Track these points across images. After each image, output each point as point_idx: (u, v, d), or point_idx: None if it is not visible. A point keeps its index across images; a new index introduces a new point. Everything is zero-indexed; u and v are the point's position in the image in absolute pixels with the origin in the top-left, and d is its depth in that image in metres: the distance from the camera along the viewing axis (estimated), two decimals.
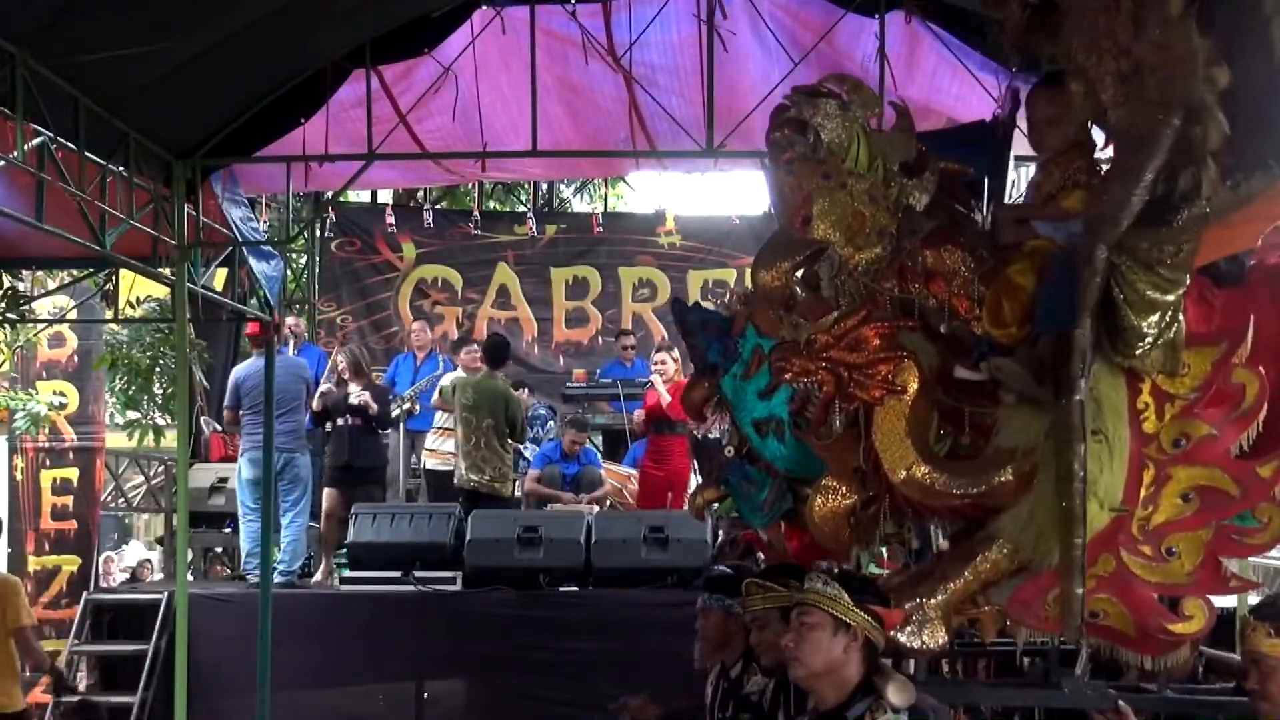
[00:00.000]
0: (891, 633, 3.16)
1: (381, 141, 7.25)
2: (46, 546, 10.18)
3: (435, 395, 9.48)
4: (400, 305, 12.86)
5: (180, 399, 8.12)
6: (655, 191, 17.22)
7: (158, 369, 10.19)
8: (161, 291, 9.64)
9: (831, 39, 7.13)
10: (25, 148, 5.49)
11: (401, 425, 9.62)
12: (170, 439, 9.84)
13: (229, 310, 8.22)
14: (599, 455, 10.37)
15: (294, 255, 12.85)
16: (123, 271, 8.24)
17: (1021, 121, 4.12)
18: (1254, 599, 4.69)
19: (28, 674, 6.45)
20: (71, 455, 10.38)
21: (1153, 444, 3.28)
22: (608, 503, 9.39)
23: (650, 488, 9.28)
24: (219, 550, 10.36)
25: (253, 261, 7.63)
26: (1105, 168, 3.55)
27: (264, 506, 8.12)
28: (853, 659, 3.00)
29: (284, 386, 8.27)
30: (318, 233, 12.79)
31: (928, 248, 3.53)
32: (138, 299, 9.60)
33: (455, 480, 8.85)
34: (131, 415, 10.95)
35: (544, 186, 14.61)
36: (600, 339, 12.92)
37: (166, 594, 7.87)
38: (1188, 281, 3.15)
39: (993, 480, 3.29)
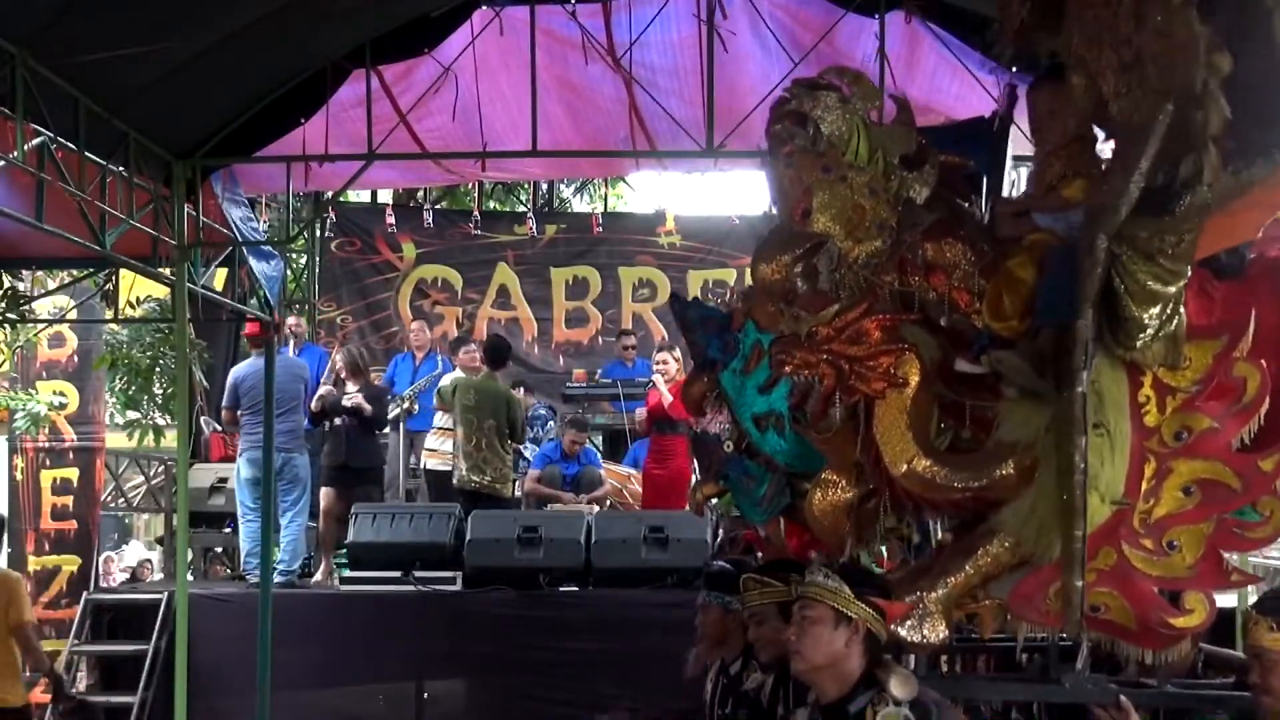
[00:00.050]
0: (892, 627, 3.16)
1: (381, 141, 7.26)
2: (46, 546, 10.18)
3: (435, 396, 9.46)
4: (400, 305, 12.86)
5: (180, 399, 8.13)
6: (655, 191, 17.24)
7: (158, 369, 10.19)
8: (161, 291, 9.64)
9: (831, 39, 7.13)
10: (25, 148, 5.50)
11: (401, 425, 9.62)
12: (170, 439, 9.85)
13: (229, 310, 8.23)
14: (599, 455, 10.38)
15: (294, 255, 12.85)
16: (123, 271, 8.25)
17: (1019, 119, 4.13)
18: (1253, 598, 4.70)
19: (27, 673, 6.45)
20: (71, 455, 10.38)
21: (1154, 437, 3.28)
22: (608, 503, 9.39)
23: (654, 488, 9.28)
24: (219, 550, 10.36)
25: (253, 261, 7.64)
26: (1107, 160, 3.56)
27: (264, 506, 8.12)
28: (854, 652, 3.01)
29: (282, 386, 8.28)
30: (318, 233, 12.79)
31: (928, 241, 3.53)
32: (138, 299, 9.60)
33: (455, 481, 8.85)
34: (131, 415, 10.95)
35: (544, 186, 14.61)
36: (600, 339, 12.93)
37: (166, 594, 7.87)
38: (1189, 273, 3.14)
39: (994, 474, 3.29)
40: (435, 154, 8.74)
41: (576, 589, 7.82)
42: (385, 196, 13.89)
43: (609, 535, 7.87)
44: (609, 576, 7.77)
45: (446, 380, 9.40)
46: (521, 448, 9.91)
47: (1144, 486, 3.28)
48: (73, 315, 10.00)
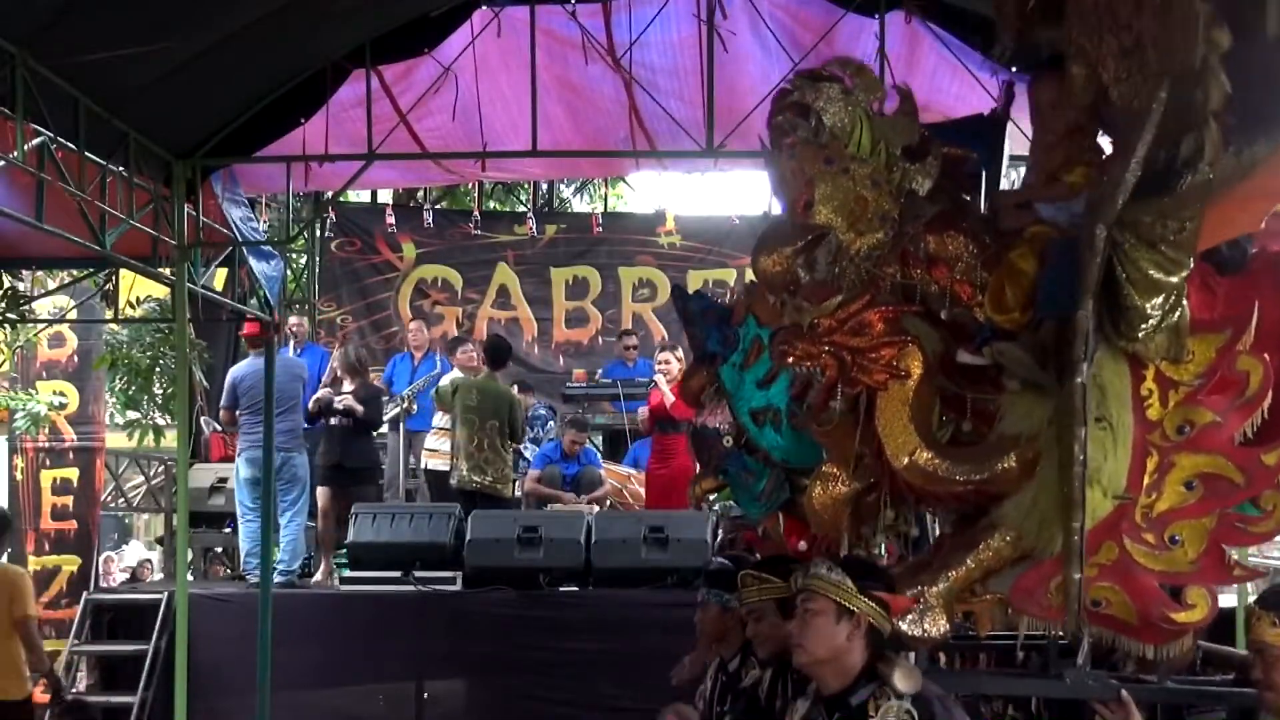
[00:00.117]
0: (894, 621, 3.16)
1: (381, 141, 7.27)
2: (46, 546, 10.19)
3: (433, 396, 9.45)
4: (400, 305, 12.87)
5: (180, 399, 8.13)
6: (655, 191, 17.23)
7: (158, 369, 10.20)
8: (161, 291, 9.65)
9: (831, 39, 7.13)
10: (25, 148, 5.50)
11: (401, 425, 9.62)
12: (170, 439, 9.85)
13: (229, 310, 8.23)
14: (599, 455, 10.38)
15: (294, 255, 12.85)
16: (123, 271, 8.25)
17: (1017, 117, 4.14)
18: (1253, 595, 4.69)
19: (27, 672, 6.46)
20: (71, 455, 10.39)
21: (1156, 431, 3.27)
22: (608, 503, 9.39)
23: (656, 487, 9.28)
24: (219, 550, 10.36)
25: (253, 261, 7.64)
26: (1109, 149, 3.55)
27: (263, 506, 8.12)
28: (856, 646, 3.00)
29: (281, 386, 8.28)
30: (318, 233, 12.79)
31: (930, 233, 3.51)
32: (138, 299, 9.61)
33: (455, 481, 8.85)
34: (131, 415, 10.96)
35: (544, 186, 14.61)
36: (600, 339, 12.93)
37: (166, 594, 7.86)
38: (1191, 264, 3.13)
39: (996, 467, 3.28)
40: (435, 154, 8.74)
41: (576, 589, 7.81)
42: (385, 196, 13.89)
43: (609, 535, 7.86)
44: (609, 576, 7.76)
45: (445, 380, 9.39)
46: (521, 448, 9.91)
47: (1146, 481, 3.26)
48: (73, 315, 10.01)
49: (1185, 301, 3.19)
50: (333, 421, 8.89)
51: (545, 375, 12.32)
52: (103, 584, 10.86)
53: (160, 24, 5.44)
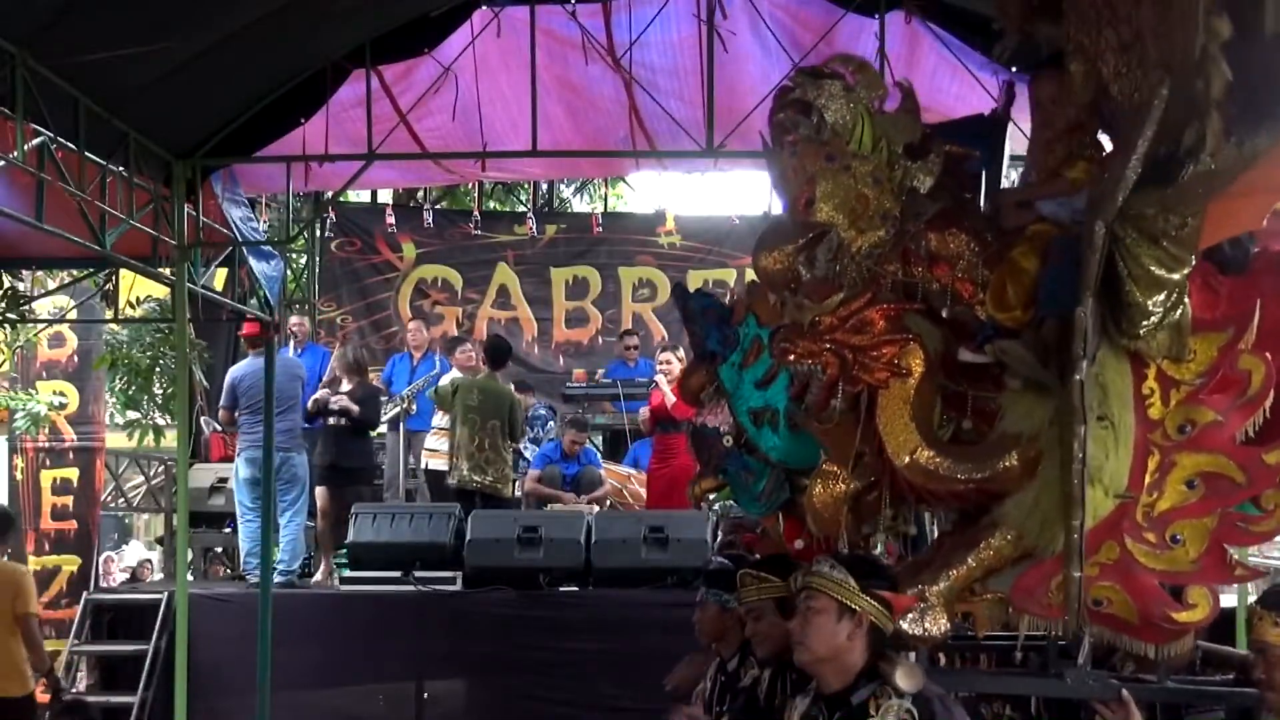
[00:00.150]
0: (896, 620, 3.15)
1: (381, 141, 7.26)
2: (46, 546, 10.19)
3: (434, 395, 9.43)
4: (400, 305, 12.87)
5: (180, 399, 8.13)
6: (655, 191, 17.22)
7: (158, 369, 10.20)
8: (161, 291, 9.65)
9: (831, 39, 7.13)
10: (25, 148, 5.50)
11: (401, 425, 9.62)
12: (170, 439, 9.85)
13: (229, 310, 8.23)
14: (599, 455, 10.38)
15: (294, 255, 12.85)
16: (123, 271, 8.25)
17: (1017, 116, 4.13)
18: (1253, 595, 4.69)
19: (29, 670, 6.49)
20: (71, 455, 10.39)
21: (1158, 430, 3.27)
22: (608, 503, 9.39)
23: (658, 486, 9.27)
24: (219, 550, 10.35)
25: (253, 261, 7.64)
26: (1109, 146, 3.55)
27: (263, 506, 8.12)
28: (858, 645, 2.99)
29: (280, 386, 8.28)
30: (318, 233, 12.79)
31: (931, 231, 3.51)
32: (138, 299, 9.61)
33: (455, 481, 8.84)
34: (131, 415, 10.95)
35: (544, 186, 14.61)
36: (600, 339, 12.93)
37: (166, 594, 7.86)
38: (1193, 261, 3.13)
39: (997, 465, 3.28)
40: (435, 154, 8.74)
41: (576, 589, 7.81)
42: (385, 196, 13.89)
43: (609, 535, 7.86)
44: (609, 576, 7.76)
45: (445, 380, 9.39)
46: (521, 448, 9.91)
47: (1147, 480, 3.27)
48: (73, 315, 10.01)
49: (1187, 299, 3.19)
50: (330, 421, 8.90)
51: (545, 375, 12.32)
52: (103, 584, 10.86)
53: (160, 24, 5.44)
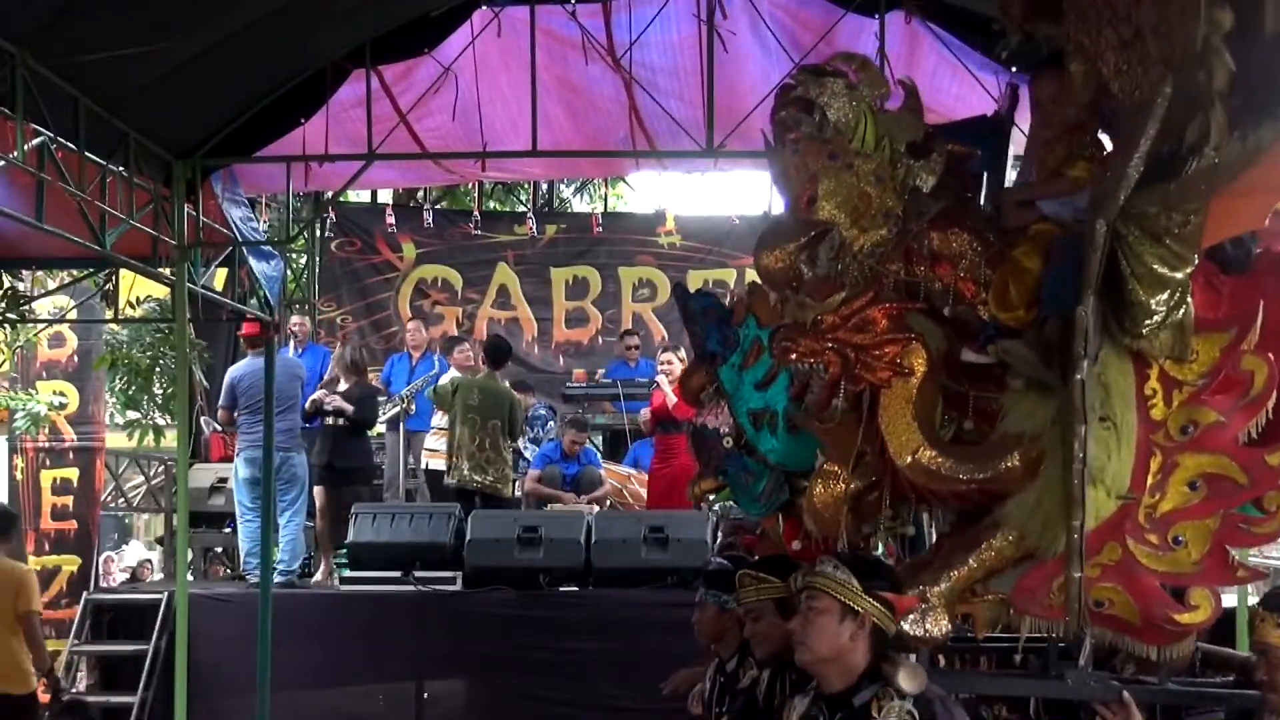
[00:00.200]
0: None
1: (381, 141, 7.26)
2: (46, 546, 10.20)
3: (433, 395, 9.42)
4: (400, 305, 12.86)
5: (180, 399, 8.14)
6: (655, 191, 17.23)
7: (158, 369, 10.20)
8: (161, 291, 9.65)
9: (831, 39, 7.12)
10: (25, 148, 5.50)
11: (401, 426, 9.61)
12: (170, 439, 9.85)
13: (229, 310, 8.23)
14: (599, 455, 10.37)
15: (294, 255, 12.85)
16: (123, 271, 8.25)
17: (1017, 117, 4.13)
18: (1254, 596, 4.68)
19: (32, 668, 6.51)
20: (71, 455, 10.40)
21: (1160, 431, 3.26)
22: (608, 503, 9.39)
23: (659, 486, 9.26)
24: (219, 550, 10.35)
25: (253, 261, 7.64)
26: (1111, 142, 3.54)
27: (263, 506, 8.12)
28: (860, 646, 2.98)
29: (279, 386, 8.27)
30: (318, 233, 12.79)
31: (934, 230, 3.49)
32: (138, 299, 9.61)
33: (455, 480, 8.84)
34: (131, 415, 10.96)
35: (544, 186, 14.61)
36: (600, 339, 12.93)
37: (166, 594, 7.86)
38: (1195, 260, 3.12)
39: (999, 466, 3.27)
40: (435, 154, 8.73)
41: (576, 589, 7.82)
42: (385, 196, 13.89)
43: (609, 535, 7.86)
44: (609, 576, 7.76)
45: (445, 380, 9.39)
46: (521, 448, 9.91)
47: (1150, 481, 3.26)
48: (73, 315, 10.01)
49: (1190, 299, 3.18)
50: (327, 421, 8.90)
51: (545, 375, 12.32)
52: (103, 584, 10.86)
53: (160, 24, 5.44)
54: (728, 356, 3.96)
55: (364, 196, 13.67)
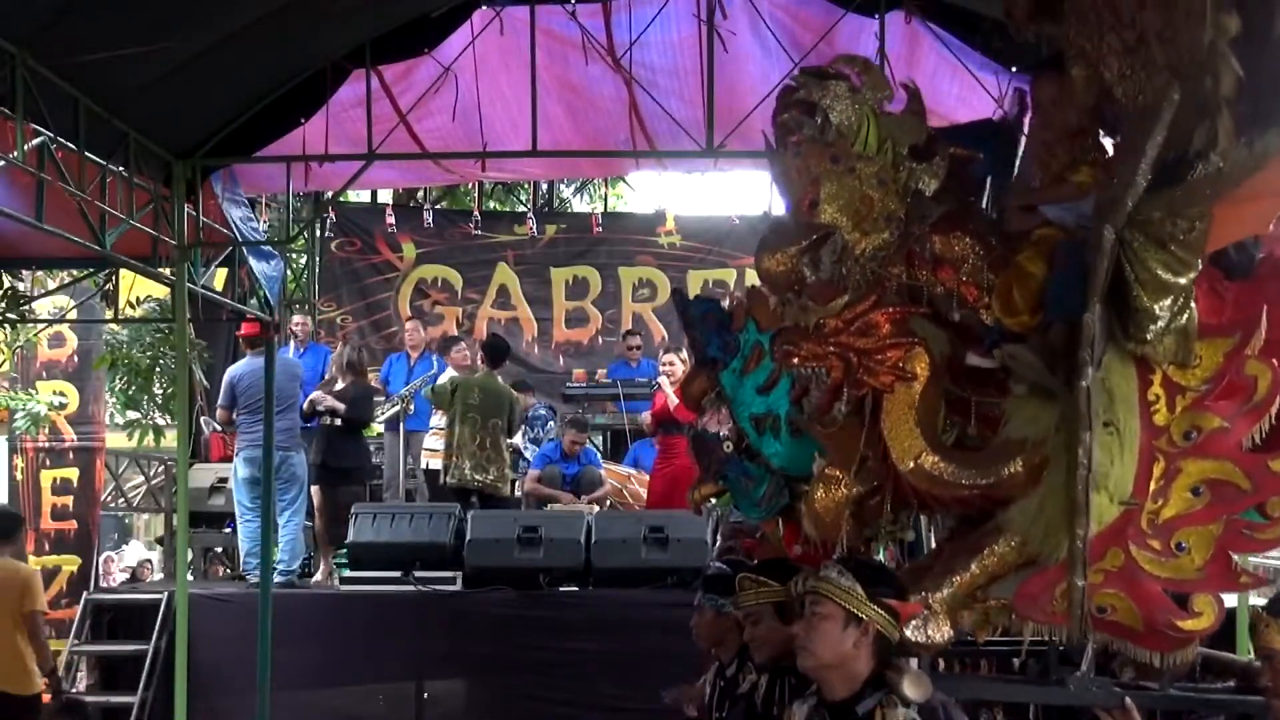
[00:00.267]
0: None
1: (381, 141, 7.26)
2: (46, 546, 10.20)
3: (431, 395, 9.41)
4: (400, 305, 12.86)
5: (180, 399, 8.13)
6: (655, 191, 17.24)
7: (158, 369, 10.20)
8: (161, 291, 9.65)
9: (831, 39, 7.13)
10: (25, 148, 5.50)
11: (401, 425, 9.61)
12: (170, 439, 9.85)
13: (229, 310, 8.23)
14: (599, 455, 10.37)
15: (294, 255, 12.85)
16: (123, 271, 8.25)
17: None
18: (1253, 599, 4.67)
19: (36, 670, 6.52)
20: (71, 455, 10.40)
21: (1163, 436, 3.24)
22: (608, 503, 9.39)
23: (661, 485, 9.24)
24: (219, 550, 10.35)
25: (253, 261, 7.64)
26: (1113, 147, 3.53)
27: (263, 506, 8.11)
28: (863, 653, 2.96)
29: (279, 385, 8.27)
30: (318, 233, 12.79)
31: (936, 234, 3.48)
32: (138, 299, 9.61)
33: (454, 479, 8.84)
34: (131, 415, 10.96)
35: (544, 186, 14.61)
36: (600, 339, 12.93)
37: (166, 594, 7.86)
38: (1200, 265, 3.11)
39: (1002, 472, 3.25)
40: (435, 154, 8.72)
41: (576, 589, 7.81)
42: (385, 196, 13.88)
43: (609, 535, 7.86)
44: (609, 576, 7.76)
45: (444, 379, 9.39)
46: (521, 447, 9.91)
47: (1152, 486, 3.24)
48: (73, 315, 10.01)
49: (1193, 304, 3.17)
50: (324, 421, 8.91)
51: (545, 375, 12.31)
52: (103, 584, 10.86)
53: (160, 24, 5.43)
54: (728, 362, 3.94)
55: (364, 196, 13.67)
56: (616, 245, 13.19)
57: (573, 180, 15.07)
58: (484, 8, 7.25)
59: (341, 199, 11.64)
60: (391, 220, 12.95)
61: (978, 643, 3.65)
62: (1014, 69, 6.61)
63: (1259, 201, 3.13)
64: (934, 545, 3.97)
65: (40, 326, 9.90)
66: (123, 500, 12.12)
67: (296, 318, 10.56)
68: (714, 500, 4.40)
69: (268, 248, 7.89)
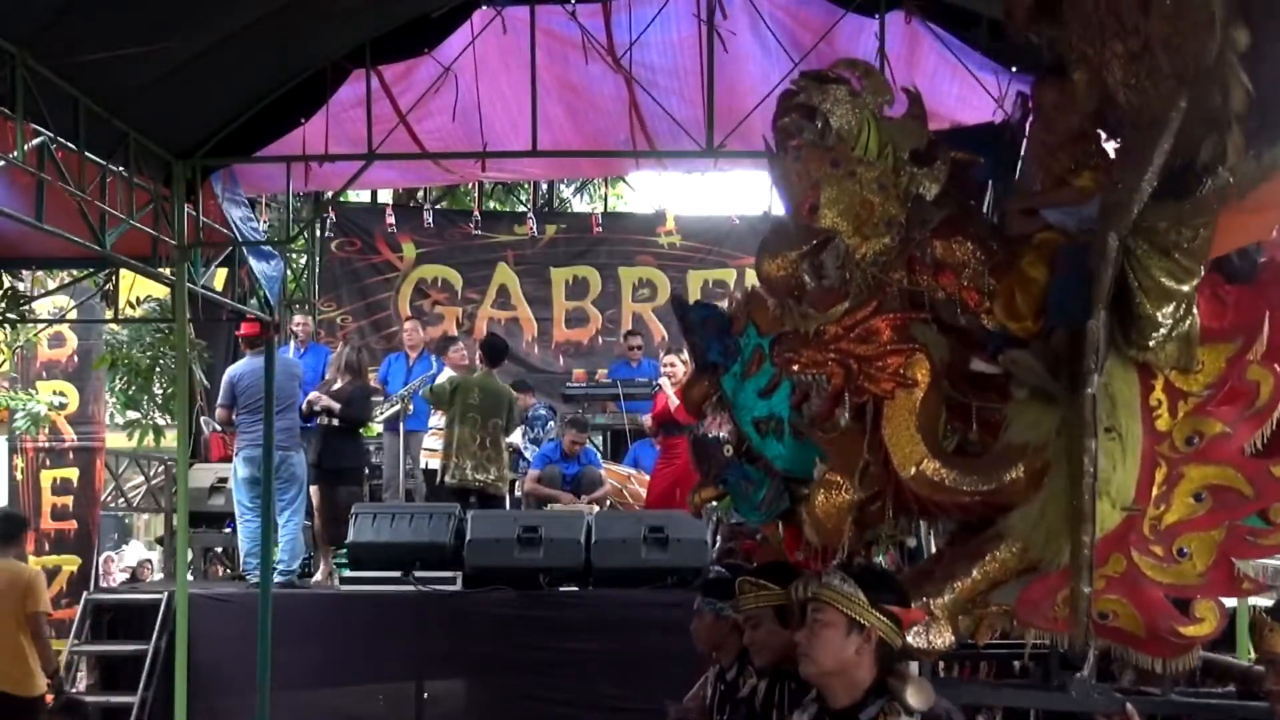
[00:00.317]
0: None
1: (381, 141, 7.25)
2: (46, 546, 10.20)
3: (430, 395, 9.40)
4: (400, 305, 12.85)
5: (180, 399, 8.13)
6: (655, 191, 17.23)
7: (158, 369, 10.20)
8: (161, 291, 9.65)
9: (831, 39, 7.12)
10: (25, 148, 5.49)
11: (401, 425, 9.61)
12: (170, 439, 9.85)
13: (229, 310, 8.23)
14: (599, 455, 10.37)
15: (294, 255, 12.84)
16: (123, 271, 8.24)
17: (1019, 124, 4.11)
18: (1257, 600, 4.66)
19: (40, 672, 6.53)
20: (71, 455, 10.40)
21: (1165, 442, 3.24)
22: (608, 503, 9.39)
23: (662, 485, 9.24)
24: (219, 550, 10.35)
25: (253, 261, 7.63)
26: (1117, 149, 3.52)
27: (263, 506, 8.11)
28: (865, 660, 2.94)
29: (278, 385, 8.26)
30: (318, 233, 12.78)
31: (937, 239, 3.47)
32: (138, 299, 9.61)
33: (454, 479, 8.83)
34: (131, 415, 10.95)
35: (544, 186, 14.60)
36: (600, 339, 12.93)
37: (166, 594, 7.85)
38: (1202, 272, 3.11)
39: (1003, 478, 3.25)
40: (435, 154, 8.72)
41: (576, 589, 7.81)
42: (385, 196, 13.88)
43: (609, 535, 7.85)
44: (609, 576, 7.76)
45: (442, 379, 9.39)
46: (522, 448, 9.90)
47: (1154, 492, 3.24)
48: (73, 315, 10.00)
49: (1195, 310, 3.16)
50: (321, 421, 8.91)
51: (545, 375, 12.31)
52: (103, 584, 10.86)
53: (160, 24, 5.43)
54: (729, 366, 3.93)
55: (364, 196, 13.66)
56: (616, 245, 13.19)
57: (573, 180, 15.07)
58: (484, 8, 7.25)
59: (341, 199, 11.63)
60: (391, 220, 12.94)
61: (978, 646, 3.64)
62: (1014, 69, 6.61)
63: (1264, 211, 3.13)
64: (934, 550, 3.96)
65: (40, 326, 9.90)
66: (123, 500, 12.12)
67: (298, 318, 10.56)
68: (714, 504, 4.40)
69: (268, 248, 7.89)
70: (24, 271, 9.43)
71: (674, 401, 8.91)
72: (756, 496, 3.98)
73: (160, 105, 6.37)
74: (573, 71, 8.08)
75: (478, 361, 9.50)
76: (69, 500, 10.30)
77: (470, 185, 13.50)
